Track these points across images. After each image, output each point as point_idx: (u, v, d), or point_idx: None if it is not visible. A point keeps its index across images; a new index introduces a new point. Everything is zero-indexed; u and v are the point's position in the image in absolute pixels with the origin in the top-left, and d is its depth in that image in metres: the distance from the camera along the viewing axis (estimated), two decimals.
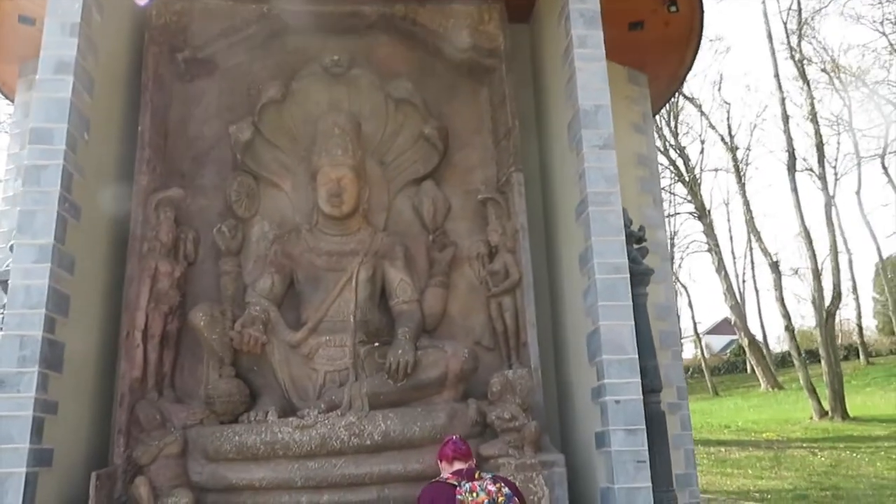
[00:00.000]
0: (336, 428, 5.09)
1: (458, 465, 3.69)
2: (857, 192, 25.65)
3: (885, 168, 25.02)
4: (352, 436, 5.07)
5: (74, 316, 5.10)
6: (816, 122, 21.63)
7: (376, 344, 5.64)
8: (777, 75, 21.67)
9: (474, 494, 3.47)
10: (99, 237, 5.60)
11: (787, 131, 21.04)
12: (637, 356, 4.99)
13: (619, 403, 4.88)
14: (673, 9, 6.79)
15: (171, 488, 5.15)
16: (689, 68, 8.13)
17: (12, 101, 7.97)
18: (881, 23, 22.98)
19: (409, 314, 5.83)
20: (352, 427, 5.09)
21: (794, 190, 20.75)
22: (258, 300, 5.75)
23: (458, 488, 3.49)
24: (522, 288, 5.96)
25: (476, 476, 3.60)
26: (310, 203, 6.32)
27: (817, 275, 20.97)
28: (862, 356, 29.03)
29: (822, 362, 19.85)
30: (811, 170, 22.63)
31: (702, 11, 7.12)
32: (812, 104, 21.38)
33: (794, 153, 20.89)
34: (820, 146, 21.37)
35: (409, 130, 6.52)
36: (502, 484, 3.53)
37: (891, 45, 22.29)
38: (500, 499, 3.48)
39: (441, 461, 3.82)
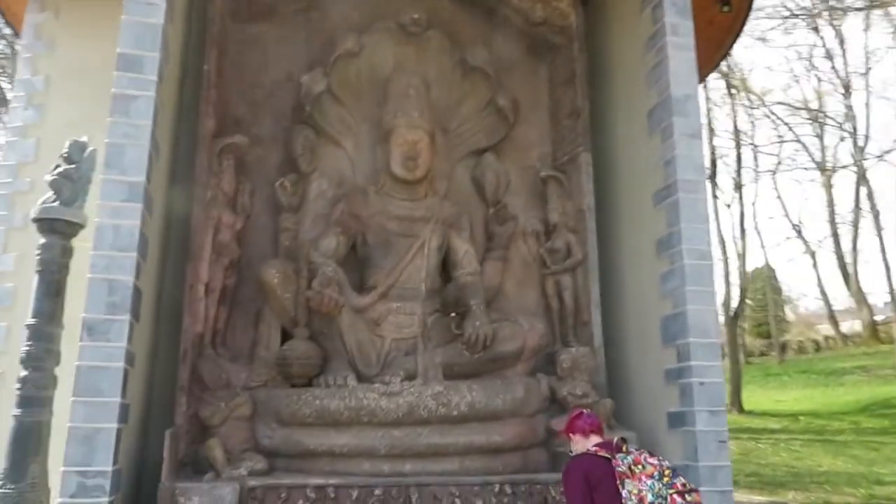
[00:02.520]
0: (423, 397, 4.97)
1: (595, 438, 3.65)
2: (753, 204, 27.36)
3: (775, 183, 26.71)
4: (439, 405, 4.97)
5: (149, 262, 4.72)
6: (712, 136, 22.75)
7: (453, 314, 5.53)
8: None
9: (640, 467, 3.41)
10: (165, 179, 5.19)
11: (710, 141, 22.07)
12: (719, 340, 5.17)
13: (704, 385, 5.04)
14: (726, 8, 6.96)
15: (241, 452, 4.90)
16: (713, 69, 8.37)
17: (12, 22, 7.22)
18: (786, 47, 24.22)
19: (475, 286, 5.75)
20: (439, 396, 4.99)
21: (715, 197, 21.88)
22: (324, 260, 5.49)
23: (613, 460, 3.44)
24: (586, 268, 6.01)
25: (623, 449, 3.57)
26: (371, 164, 6.11)
27: (727, 279, 22.27)
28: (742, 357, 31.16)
29: (727, 360, 21.17)
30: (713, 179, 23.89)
31: (748, 13, 7.34)
32: (709, 119, 22.38)
33: (715, 163, 21.90)
34: (714, 162, 22.43)
35: (474, 99, 6.40)
36: (660, 457, 3.52)
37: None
38: (667, 471, 3.45)
39: (574, 434, 3.72)
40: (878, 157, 24.42)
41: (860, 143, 24.33)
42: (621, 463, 3.37)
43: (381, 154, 5.95)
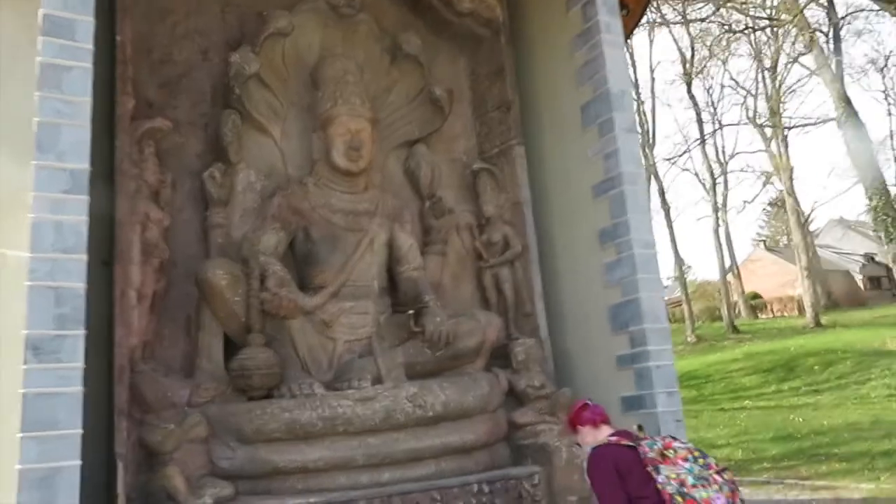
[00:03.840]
0: (399, 399, 4.69)
1: (606, 429, 3.68)
2: None
3: None
4: (416, 407, 4.72)
5: None
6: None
7: (410, 312, 5.27)
8: None
9: (672, 451, 3.39)
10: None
11: None
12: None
13: (660, 368, 5.27)
14: (624, 11, 7.33)
15: (200, 478, 4.31)
16: None
17: None
18: None
19: (423, 281, 5.55)
20: (415, 398, 4.73)
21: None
22: (266, 259, 4.99)
23: (639, 447, 3.41)
24: (526, 259, 6.04)
25: (643, 435, 3.62)
26: (302, 153, 5.67)
27: None
28: None
29: None
30: None
31: (641, 16, 7.80)
32: None
33: None
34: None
35: (403, 88, 6.17)
36: (683, 440, 3.58)
37: None
38: (695, 452, 3.48)
39: (583, 426, 3.71)
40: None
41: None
42: (649, 449, 3.37)
43: (318, 143, 5.52)
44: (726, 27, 27.04)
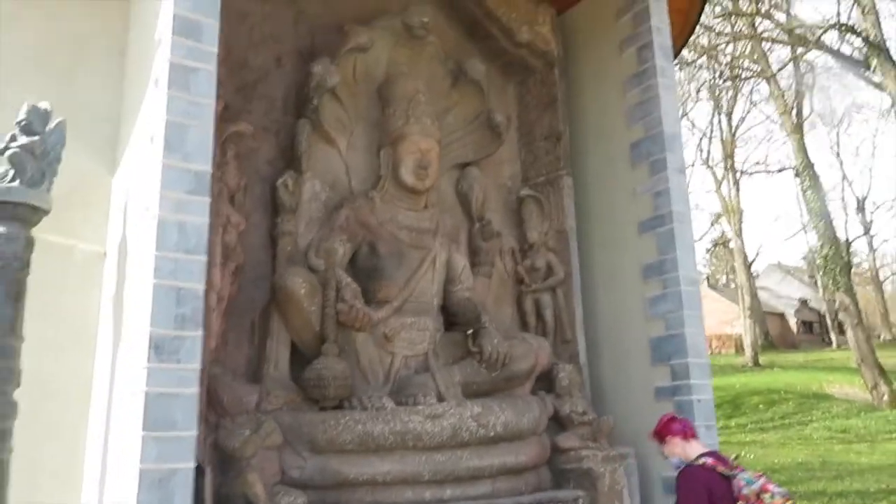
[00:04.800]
0: (464, 418, 4.79)
1: (696, 445, 3.80)
2: None
3: None
4: (479, 426, 4.82)
5: None
6: None
7: (469, 332, 5.38)
8: None
9: (769, 496, 3.32)
10: None
11: None
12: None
13: (701, 402, 5.50)
14: None
15: (273, 486, 4.31)
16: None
17: None
18: None
19: (470, 302, 5.67)
20: (479, 417, 4.84)
21: None
22: (338, 270, 5.04)
23: (734, 480, 3.44)
24: (569, 287, 6.22)
25: (736, 466, 3.75)
26: (367, 168, 5.75)
27: None
28: None
29: None
30: None
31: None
32: None
33: None
34: None
35: (461, 111, 6.30)
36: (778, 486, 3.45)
37: None
38: (788, 502, 3.36)
39: (673, 437, 3.79)
40: None
41: None
42: (745, 485, 3.41)
43: (386, 160, 5.60)
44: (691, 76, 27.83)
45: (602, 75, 6.64)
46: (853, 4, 19.64)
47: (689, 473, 3.53)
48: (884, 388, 21.41)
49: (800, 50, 20.85)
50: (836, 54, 20.97)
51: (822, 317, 45.95)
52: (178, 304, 3.51)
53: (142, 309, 3.53)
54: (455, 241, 5.81)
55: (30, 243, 4.28)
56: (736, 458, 3.69)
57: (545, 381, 5.75)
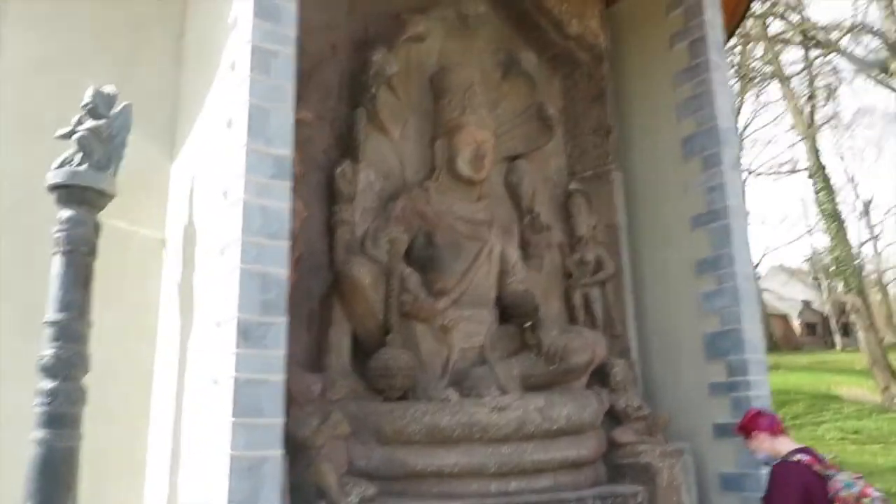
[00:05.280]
0: (529, 411, 4.74)
1: (785, 440, 3.73)
2: None
3: None
4: (544, 419, 4.77)
5: None
6: None
7: (528, 324, 5.33)
8: None
9: (869, 501, 3.23)
10: None
11: None
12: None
13: (759, 399, 5.45)
14: None
15: (341, 476, 4.25)
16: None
17: None
18: None
19: (527, 294, 5.62)
20: (544, 410, 4.79)
21: None
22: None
23: (831, 481, 3.32)
24: (620, 282, 6.17)
25: (831, 466, 3.61)
26: (420, 158, 5.70)
27: None
28: None
29: None
30: None
31: None
32: None
33: None
34: None
35: (511, 103, 6.25)
36: (877, 490, 3.35)
37: None
38: None
39: (760, 432, 3.73)
40: None
41: None
42: (843, 487, 3.30)
43: (441, 150, 5.55)
44: None
45: (650, 69, 6.58)
46: (867, 5, 19.64)
47: (786, 469, 3.46)
48: (895, 390, 21.42)
49: (815, 52, 20.76)
50: (852, 57, 20.96)
51: (825, 319, 45.84)
52: (262, 290, 3.46)
53: (226, 295, 3.47)
54: (508, 233, 5.76)
55: (97, 228, 4.24)
56: (834, 457, 3.58)
57: (597, 376, 5.69)
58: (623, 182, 6.47)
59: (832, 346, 38.60)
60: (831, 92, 23.84)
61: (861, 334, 23.51)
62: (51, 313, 4.02)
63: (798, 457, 3.54)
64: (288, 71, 3.80)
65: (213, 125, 4.14)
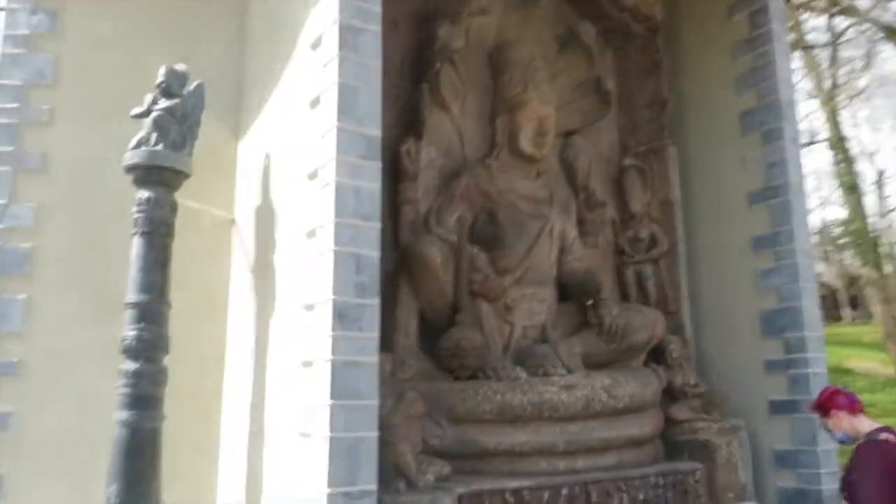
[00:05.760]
0: (596, 389, 4.77)
1: (865, 419, 3.70)
2: None
3: None
4: (610, 398, 4.80)
5: None
6: None
7: (589, 303, 5.33)
8: None
9: None
10: None
11: None
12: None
13: (817, 376, 5.47)
14: None
15: (416, 455, 4.29)
16: None
17: None
18: None
19: (590, 273, 5.61)
20: (610, 388, 4.81)
21: None
22: (454, 238, 4.98)
23: None
24: (674, 259, 6.16)
25: None
26: (480, 135, 5.65)
27: None
28: None
29: None
30: None
31: None
32: None
33: None
34: None
35: (568, 77, 6.16)
36: None
37: None
38: None
39: (839, 410, 3.68)
40: None
41: None
42: None
43: (502, 127, 5.50)
44: None
45: (707, 41, 6.48)
46: None
47: (872, 449, 3.42)
48: None
49: (841, 19, 20.28)
50: (875, 22, 20.50)
51: (833, 292, 45.71)
52: (357, 272, 3.46)
53: (318, 277, 3.47)
54: (567, 210, 5.73)
55: (174, 208, 4.24)
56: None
57: (653, 353, 5.70)
58: (678, 157, 6.41)
59: (838, 319, 38.64)
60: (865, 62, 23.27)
61: (877, 308, 23.44)
62: (132, 295, 4.05)
63: (885, 436, 3.53)
64: (375, 48, 3.77)
65: (292, 104, 4.11)
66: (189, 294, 4.55)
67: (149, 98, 4.32)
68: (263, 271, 4.29)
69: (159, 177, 4.15)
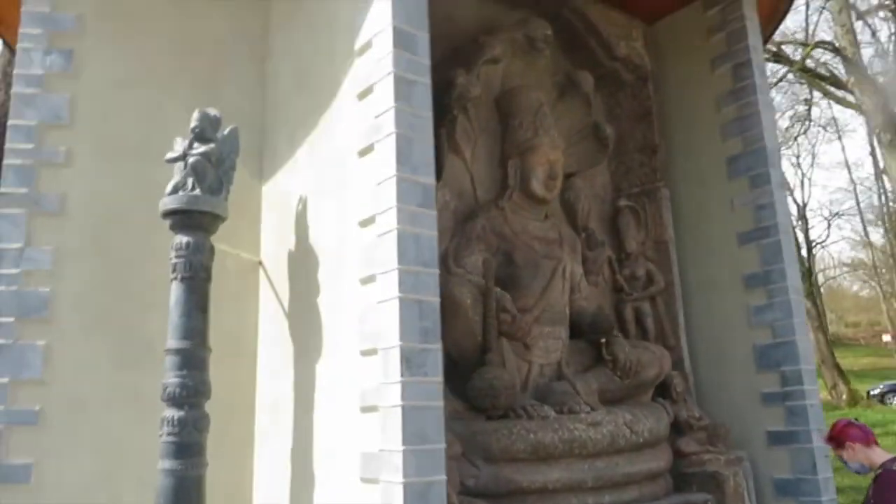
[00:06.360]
0: (619, 425, 4.92)
1: (880, 451, 3.95)
2: None
3: None
4: (632, 433, 4.96)
5: None
6: None
7: (603, 340, 5.50)
8: None
9: None
10: None
11: None
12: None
13: (813, 407, 5.77)
14: None
15: (457, 495, 4.33)
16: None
17: None
18: None
19: (601, 311, 5.81)
20: (632, 424, 4.97)
21: None
22: (479, 280, 5.09)
23: None
24: (671, 295, 6.42)
25: None
26: (490, 178, 5.80)
27: None
28: None
29: None
30: None
31: None
32: None
33: None
34: None
35: (567, 122, 6.38)
36: None
37: None
38: None
39: (854, 443, 3.92)
40: None
41: None
42: None
43: (514, 171, 5.67)
44: None
45: (692, 90, 6.86)
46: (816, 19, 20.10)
47: (893, 478, 3.67)
48: (842, 387, 22.57)
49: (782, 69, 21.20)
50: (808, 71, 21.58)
51: None
52: (420, 318, 3.52)
53: (381, 323, 3.51)
54: (574, 250, 5.91)
55: (212, 253, 4.23)
56: None
57: (657, 389, 5.90)
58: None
59: None
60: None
61: (810, 335, 24.54)
62: (173, 341, 4.00)
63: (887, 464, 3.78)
64: (427, 100, 3.87)
65: (334, 151, 4.16)
66: (217, 338, 4.48)
67: (179, 142, 4.30)
68: (302, 315, 4.29)
69: (199, 221, 4.12)
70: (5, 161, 4.69)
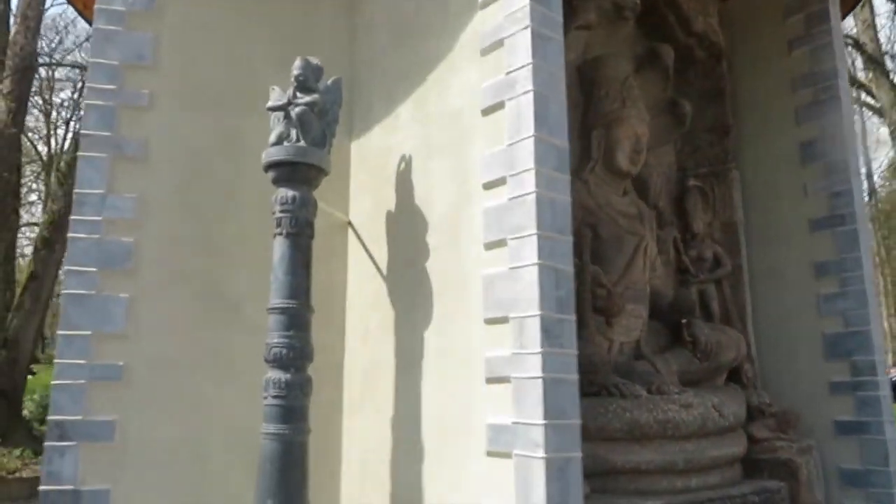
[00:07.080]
0: (709, 408, 4.80)
1: None
2: None
3: None
4: (720, 416, 4.85)
5: None
6: None
7: (684, 321, 5.37)
8: None
9: None
10: None
11: None
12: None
13: (885, 398, 5.70)
14: None
15: None
16: None
17: None
18: None
19: (687, 293, 5.70)
20: (720, 407, 4.86)
21: None
22: None
23: None
24: (739, 279, 6.30)
25: None
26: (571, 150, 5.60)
27: None
28: None
29: None
30: None
31: None
32: None
33: None
34: None
35: (643, 96, 6.20)
36: None
37: None
38: None
39: None
40: None
41: None
42: None
43: (597, 142, 5.48)
44: None
45: (765, 71, 6.69)
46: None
47: None
48: None
49: None
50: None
51: None
52: (556, 287, 3.34)
53: (516, 291, 3.33)
54: (652, 228, 5.76)
55: (315, 208, 4.03)
56: None
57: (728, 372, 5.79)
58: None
59: None
60: None
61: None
62: (277, 299, 3.81)
63: None
64: (559, 58, 3.67)
65: (448, 108, 3.94)
66: None
67: (278, 91, 4.07)
68: (405, 279, 4.09)
69: (305, 175, 3.91)
70: (86, 101, 4.42)
